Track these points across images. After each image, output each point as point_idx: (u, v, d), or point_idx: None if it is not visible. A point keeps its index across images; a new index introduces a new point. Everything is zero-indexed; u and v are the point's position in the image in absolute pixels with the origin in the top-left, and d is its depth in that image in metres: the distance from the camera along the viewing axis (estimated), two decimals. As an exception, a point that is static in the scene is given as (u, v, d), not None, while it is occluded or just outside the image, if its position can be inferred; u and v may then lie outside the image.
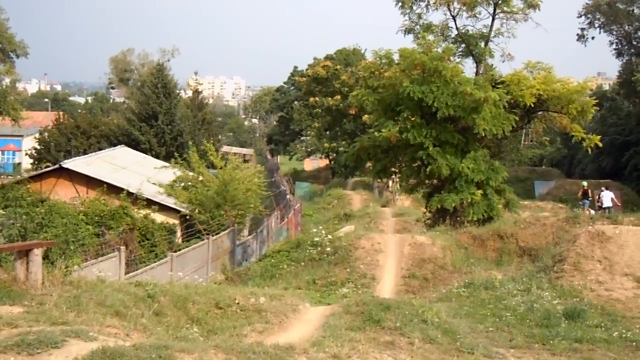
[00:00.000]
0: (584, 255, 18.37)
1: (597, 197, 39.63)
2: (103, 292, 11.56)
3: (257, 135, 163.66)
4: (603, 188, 40.71)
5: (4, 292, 10.46)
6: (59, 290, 11.12)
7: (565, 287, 17.44)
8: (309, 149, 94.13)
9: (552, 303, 16.03)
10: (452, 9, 34.65)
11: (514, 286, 17.79)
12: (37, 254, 11.22)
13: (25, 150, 74.96)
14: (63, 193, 39.99)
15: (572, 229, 23.14)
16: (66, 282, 11.74)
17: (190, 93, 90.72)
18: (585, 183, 42.73)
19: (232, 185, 37.77)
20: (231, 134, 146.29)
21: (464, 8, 34.26)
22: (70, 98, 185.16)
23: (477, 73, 34.15)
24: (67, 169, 41.94)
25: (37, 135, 74.38)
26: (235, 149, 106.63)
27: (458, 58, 34.51)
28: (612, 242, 18.50)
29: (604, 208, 36.99)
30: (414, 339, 12.18)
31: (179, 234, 37.87)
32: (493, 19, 34.43)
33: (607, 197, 38.42)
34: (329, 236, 25.79)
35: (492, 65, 36.26)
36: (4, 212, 26.96)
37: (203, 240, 29.69)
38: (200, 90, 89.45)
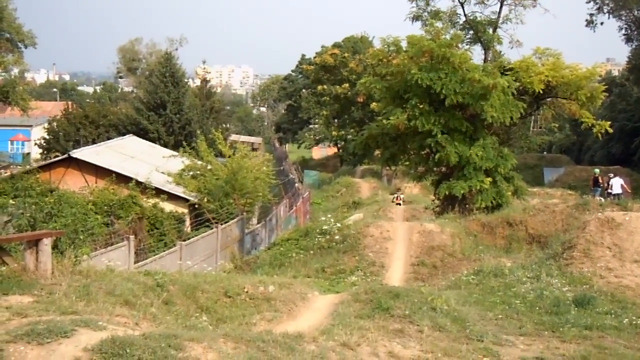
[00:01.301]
0: (594, 242, 18.31)
1: (606, 184, 39.46)
2: (112, 282, 11.58)
3: (266, 123, 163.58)
4: (611, 175, 40.50)
5: (13, 281, 10.49)
6: (69, 279, 11.14)
7: (574, 274, 17.39)
8: (317, 137, 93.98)
9: (561, 290, 15.99)
10: (460, -5, 34.57)
11: (523, 273, 17.75)
12: (47, 243, 11.23)
13: (34, 140, 75.10)
14: (72, 182, 40.08)
15: (582, 216, 23.10)
16: (75, 272, 11.75)
17: (198, 82, 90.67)
18: (597, 170, 42.56)
19: (240, 174, 37.75)
20: (240, 122, 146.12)
21: (472, -6, 34.18)
22: (79, 88, 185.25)
23: (485, 60, 34.09)
24: (76, 158, 42.03)
25: (46, 125, 74.46)
26: (243, 138, 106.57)
27: (466, 45, 34.51)
28: (622, 229, 18.44)
29: (614, 195, 36.79)
30: (423, 327, 12.18)
31: (187, 222, 37.91)
32: (501, 6, 34.40)
33: (617, 184, 38.20)
34: (338, 224, 25.81)
35: (501, 52, 36.26)
36: (13, 202, 27.01)
37: (212, 229, 29.73)
38: (208, 79, 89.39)
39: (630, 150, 67.99)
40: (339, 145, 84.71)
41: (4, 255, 11.34)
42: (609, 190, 38.24)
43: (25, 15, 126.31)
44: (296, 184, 59.57)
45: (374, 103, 42.72)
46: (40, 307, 9.48)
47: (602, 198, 36.71)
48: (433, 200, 34.08)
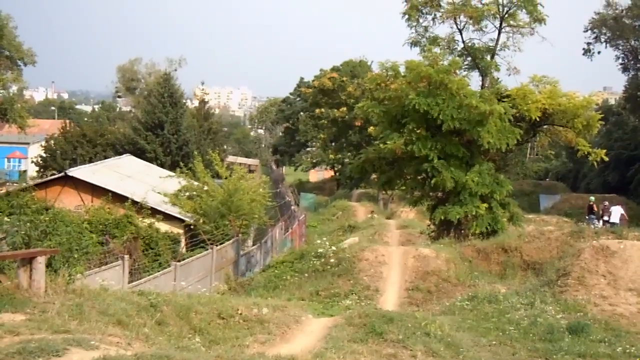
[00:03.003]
0: (588, 270, 18.32)
1: (601, 211, 39.46)
2: (105, 301, 11.56)
3: (263, 145, 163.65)
4: (606, 202, 40.53)
5: (6, 299, 10.46)
6: (62, 298, 11.11)
7: (569, 301, 17.39)
8: (314, 160, 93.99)
9: (555, 317, 15.99)
10: (458, 23, 34.70)
11: (517, 300, 17.75)
12: (41, 262, 11.22)
13: (31, 158, 75.14)
14: (68, 201, 40.06)
15: (577, 243, 23.07)
16: (69, 291, 11.73)
17: (196, 103, 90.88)
18: (592, 198, 42.59)
19: (237, 196, 37.79)
20: (237, 144, 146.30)
21: (471, 22, 34.30)
22: (77, 106, 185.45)
23: (482, 86, 34.17)
24: (72, 177, 42.04)
25: (43, 143, 74.54)
26: (240, 159, 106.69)
27: (464, 71, 34.57)
28: (616, 257, 18.44)
29: (611, 223, 36.71)
30: (416, 352, 12.16)
31: (183, 243, 37.85)
32: (499, 33, 34.48)
33: (617, 213, 38.16)
34: (333, 247, 25.77)
35: (498, 78, 36.34)
36: (8, 220, 26.93)
37: (207, 250, 29.68)
38: (206, 100, 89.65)
39: (626, 179, 68.15)
40: (335, 169, 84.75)
41: (-2, 272, 11.33)
42: (605, 218, 38.24)
43: (25, 33, 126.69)
44: (292, 207, 59.48)
45: (371, 127, 42.86)
46: (33, 326, 9.46)
47: (597, 223, 36.72)
48: (429, 225, 34.07)
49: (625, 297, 17.35)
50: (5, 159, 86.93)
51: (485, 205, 29.96)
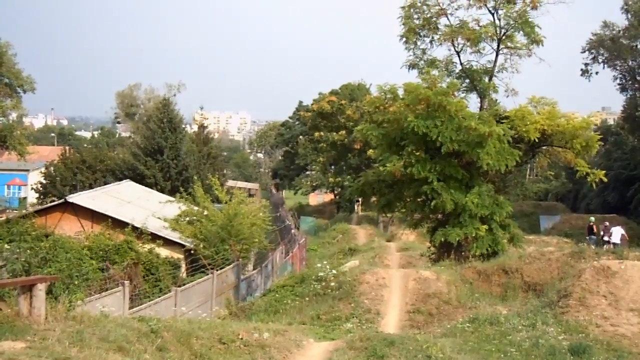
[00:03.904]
0: (590, 291, 18.30)
1: (601, 231, 39.42)
2: (106, 327, 11.54)
3: (262, 169, 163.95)
4: (607, 223, 40.52)
5: (6, 327, 10.45)
6: (62, 325, 11.09)
7: (570, 322, 17.36)
8: (314, 184, 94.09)
9: (557, 338, 15.95)
10: (456, 45, 34.79)
11: (519, 321, 17.71)
12: (41, 288, 11.21)
13: (31, 185, 75.14)
14: (68, 227, 40.05)
15: (578, 264, 23.07)
16: (69, 317, 11.71)
17: (196, 128, 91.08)
18: (592, 219, 42.55)
19: (237, 220, 37.77)
20: (237, 168, 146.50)
21: (468, 44, 34.40)
22: (77, 132, 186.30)
23: (481, 108, 34.22)
24: (72, 203, 42.06)
25: (43, 169, 74.61)
26: (240, 184, 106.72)
27: (462, 93, 34.59)
28: (617, 277, 18.44)
29: (613, 244, 36.66)
30: (418, 375, 12.12)
31: (183, 268, 37.76)
32: (497, 55, 34.56)
33: (617, 233, 38.13)
34: (334, 271, 25.74)
35: (496, 100, 36.41)
36: (8, 247, 26.95)
37: (207, 274, 29.64)
38: (205, 125, 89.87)
39: (626, 199, 68.12)
40: (335, 192, 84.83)
41: (-2, 300, 11.32)
42: (606, 238, 38.20)
43: (24, 61, 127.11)
44: (292, 230, 59.42)
45: (370, 150, 42.96)
46: (33, 353, 9.44)
47: (596, 244, 36.67)
48: (429, 247, 34.01)
49: (626, 317, 17.33)
50: (5, 186, 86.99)
51: (486, 226, 29.93)
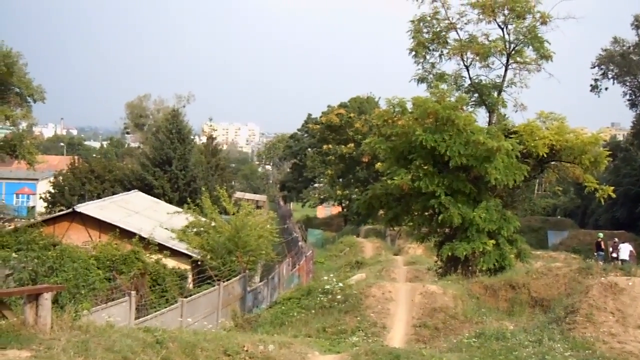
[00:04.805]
0: (597, 307, 18.22)
1: (610, 248, 39.26)
2: (111, 338, 11.54)
3: (270, 181, 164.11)
4: (616, 239, 40.36)
5: (12, 336, 10.46)
6: (68, 334, 11.11)
7: (577, 339, 17.27)
8: (321, 196, 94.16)
9: (564, 355, 15.87)
10: (465, 59, 34.82)
11: (525, 337, 17.64)
12: (47, 298, 11.23)
13: (40, 194, 75.33)
14: (76, 237, 40.10)
15: (585, 280, 22.98)
16: (75, 327, 11.73)
17: (204, 139, 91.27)
18: (601, 235, 42.38)
19: (244, 232, 37.80)
20: (245, 180, 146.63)
21: (477, 58, 34.43)
22: (86, 142, 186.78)
23: (489, 122, 34.19)
24: (80, 212, 42.12)
25: (51, 179, 74.78)
26: (248, 195, 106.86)
27: (471, 107, 34.58)
28: (625, 294, 18.35)
29: (621, 260, 36.49)
30: (423, 390, 12.08)
31: (190, 279, 37.78)
32: (506, 69, 34.56)
33: (626, 250, 37.97)
34: (340, 284, 25.67)
35: (505, 115, 36.36)
36: (16, 256, 27.00)
37: (214, 286, 29.64)
38: (214, 136, 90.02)
39: (635, 215, 67.83)
40: (343, 205, 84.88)
41: (4, 308, 11.33)
42: (614, 255, 38.04)
43: (35, 70, 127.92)
44: (300, 243, 59.46)
45: (378, 163, 42.93)
46: (38, 362, 9.45)
47: (604, 260, 36.51)
48: (436, 262, 33.94)
49: (634, 334, 17.24)
50: (14, 195, 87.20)
51: (493, 241, 29.85)
